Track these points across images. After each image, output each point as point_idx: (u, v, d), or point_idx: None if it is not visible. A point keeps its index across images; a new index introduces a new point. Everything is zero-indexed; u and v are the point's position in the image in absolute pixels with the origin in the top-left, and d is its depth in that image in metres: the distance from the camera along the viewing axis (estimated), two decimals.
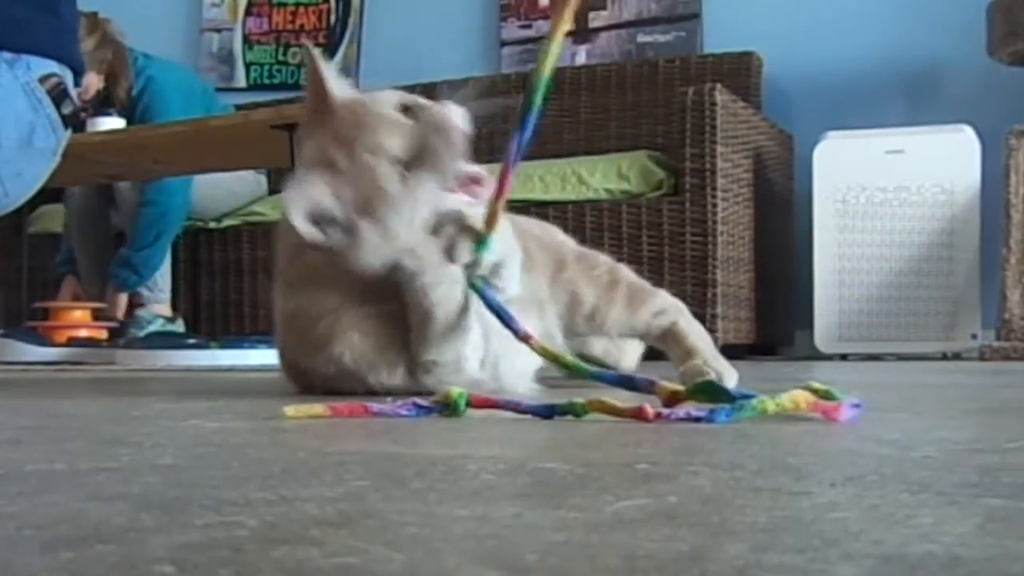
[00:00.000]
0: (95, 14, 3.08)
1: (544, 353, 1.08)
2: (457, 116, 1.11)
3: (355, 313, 1.12)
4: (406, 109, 1.11)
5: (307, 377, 1.19)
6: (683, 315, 1.39)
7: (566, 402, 0.85)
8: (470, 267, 1.09)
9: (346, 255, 1.06)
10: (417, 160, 1.07)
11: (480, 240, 1.09)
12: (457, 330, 1.12)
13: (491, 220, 1.10)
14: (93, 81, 3.06)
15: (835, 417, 0.80)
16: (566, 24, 1.03)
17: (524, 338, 1.08)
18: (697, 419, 0.80)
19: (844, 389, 0.86)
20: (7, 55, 1.65)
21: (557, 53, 1.03)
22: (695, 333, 1.37)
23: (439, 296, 1.09)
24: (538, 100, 1.06)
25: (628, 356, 1.51)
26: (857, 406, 0.82)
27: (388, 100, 1.12)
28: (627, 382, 0.97)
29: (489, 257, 1.10)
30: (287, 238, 1.14)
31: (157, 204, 3.16)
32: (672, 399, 0.88)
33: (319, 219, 1.05)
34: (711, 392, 0.87)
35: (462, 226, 1.09)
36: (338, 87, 1.13)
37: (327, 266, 1.10)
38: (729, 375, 1.26)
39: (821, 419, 0.81)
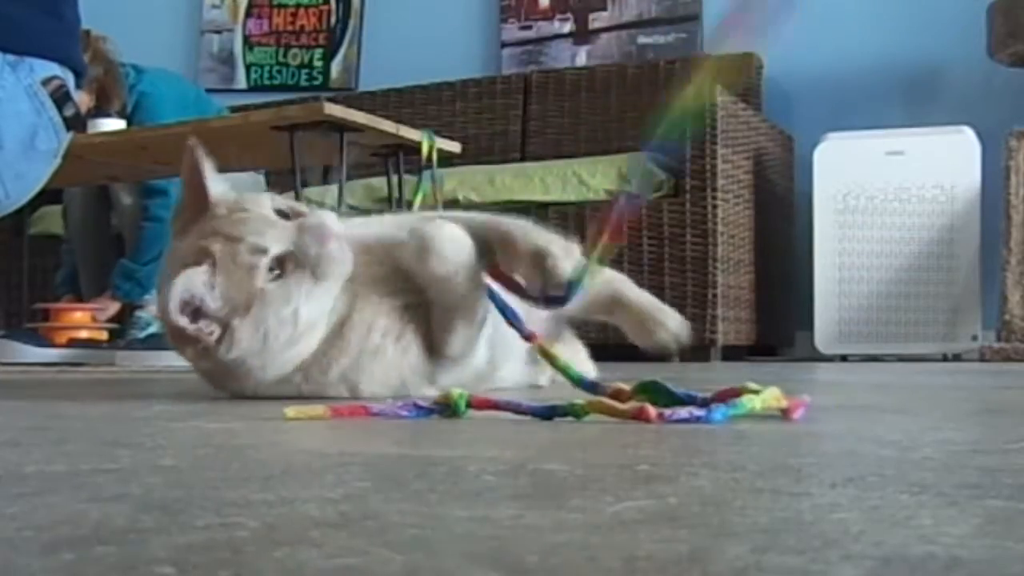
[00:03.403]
0: (87, 32, 3.06)
1: (544, 353, 1.09)
2: (331, 219, 1.12)
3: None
4: (281, 213, 1.12)
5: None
6: (626, 283, 1.43)
7: (566, 403, 0.85)
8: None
9: (213, 349, 1.08)
10: (291, 260, 1.08)
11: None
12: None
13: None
14: (84, 100, 3.02)
15: (792, 416, 0.84)
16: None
17: (528, 337, 1.11)
18: (697, 419, 0.81)
19: (845, 390, 0.86)
20: (10, 57, 1.65)
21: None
22: (636, 291, 1.42)
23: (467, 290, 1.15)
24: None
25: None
26: (804, 406, 0.87)
27: (264, 202, 1.13)
28: (592, 387, 1.02)
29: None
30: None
31: (163, 221, 3.16)
32: (616, 396, 0.91)
33: (195, 312, 1.06)
34: (653, 391, 0.90)
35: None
36: (216, 186, 1.15)
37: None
38: (674, 321, 1.33)
39: (785, 416, 0.85)
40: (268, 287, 1.06)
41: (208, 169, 1.15)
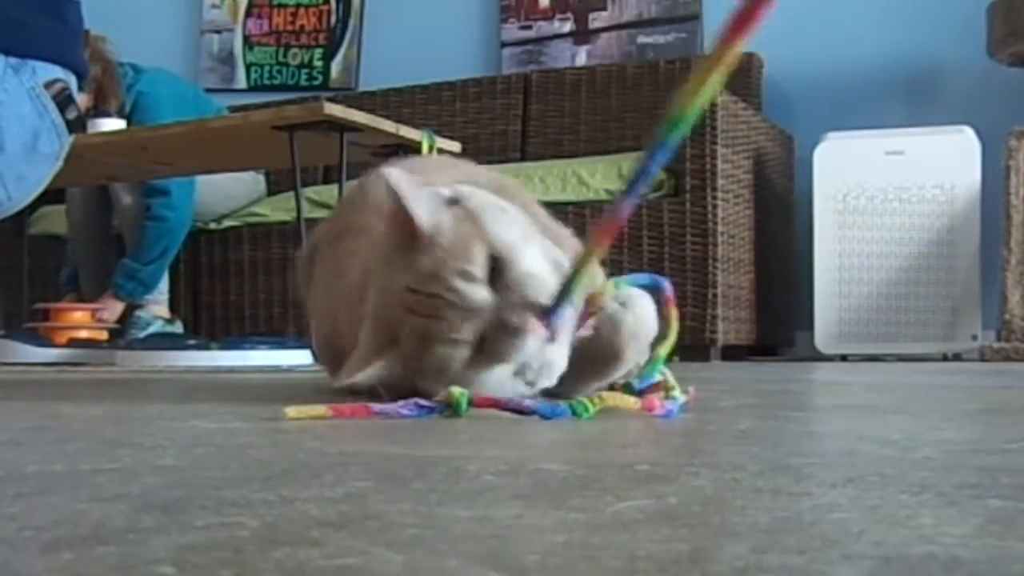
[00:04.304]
0: (87, 31, 3.07)
1: None
2: (542, 287, 0.92)
3: None
4: (497, 262, 0.93)
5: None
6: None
7: (567, 403, 0.86)
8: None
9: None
10: (489, 342, 0.91)
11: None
12: None
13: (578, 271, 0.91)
14: (83, 100, 3.03)
15: (653, 413, 0.88)
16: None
17: None
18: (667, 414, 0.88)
19: (845, 390, 0.86)
20: (13, 60, 1.65)
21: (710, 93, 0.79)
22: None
23: None
24: (673, 136, 0.81)
25: None
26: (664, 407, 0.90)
27: (477, 251, 0.92)
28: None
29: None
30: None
31: (166, 220, 3.17)
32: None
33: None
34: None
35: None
36: (427, 213, 0.95)
37: None
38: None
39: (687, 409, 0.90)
40: (457, 372, 0.92)
41: (413, 195, 0.95)
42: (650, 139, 0.80)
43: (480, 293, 0.91)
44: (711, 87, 0.76)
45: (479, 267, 0.92)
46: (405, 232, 0.95)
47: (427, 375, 0.94)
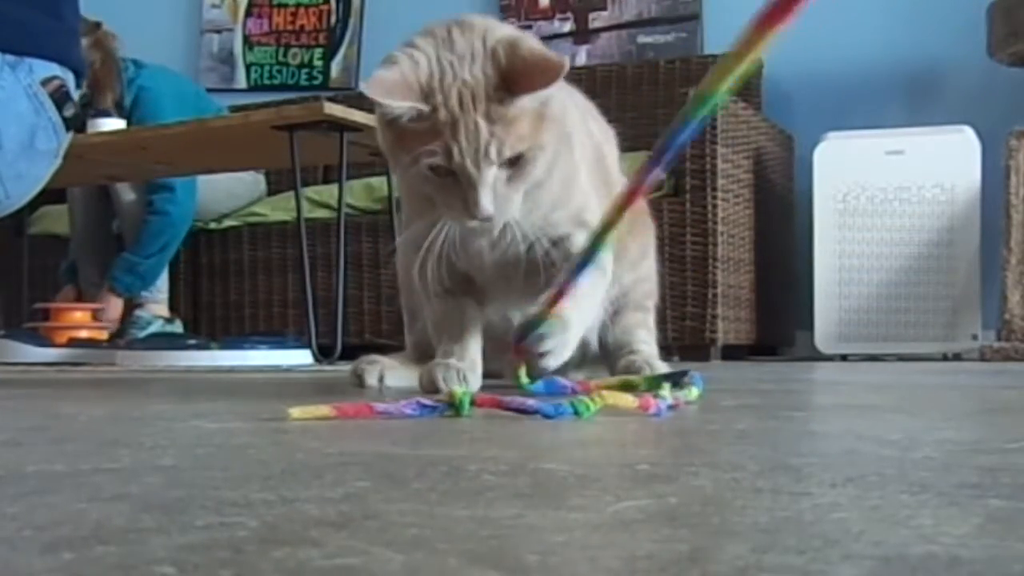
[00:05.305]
0: (98, 24, 3.07)
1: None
2: None
3: None
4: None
5: None
6: None
7: (569, 402, 0.86)
8: None
9: None
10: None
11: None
12: None
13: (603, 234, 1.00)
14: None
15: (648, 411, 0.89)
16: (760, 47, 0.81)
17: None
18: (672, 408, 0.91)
19: (845, 390, 0.86)
20: (9, 58, 1.65)
21: (740, 73, 0.82)
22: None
23: None
24: (698, 114, 0.84)
25: None
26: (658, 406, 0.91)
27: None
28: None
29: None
30: None
31: (168, 214, 3.17)
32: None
33: None
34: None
35: None
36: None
37: None
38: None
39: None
40: None
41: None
42: (679, 114, 0.83)
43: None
44: (739, 70, 0.78)
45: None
46: None
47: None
